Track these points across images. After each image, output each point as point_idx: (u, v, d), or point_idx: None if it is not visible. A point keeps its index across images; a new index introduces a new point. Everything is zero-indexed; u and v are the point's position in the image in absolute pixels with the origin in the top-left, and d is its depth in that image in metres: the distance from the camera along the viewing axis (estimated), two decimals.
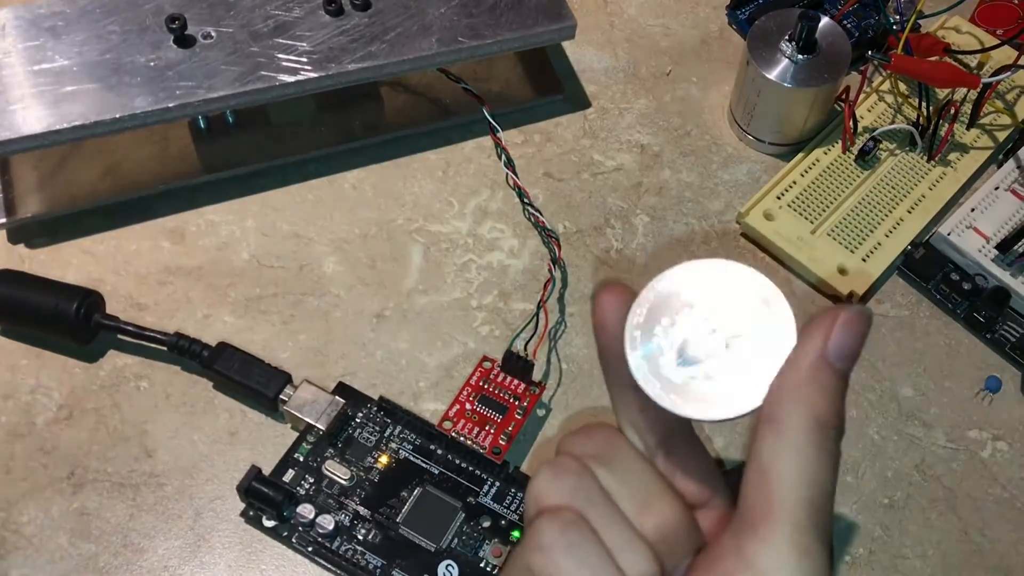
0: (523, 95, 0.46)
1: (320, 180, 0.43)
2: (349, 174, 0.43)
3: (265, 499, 0.33)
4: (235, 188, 0.42)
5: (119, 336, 0.38)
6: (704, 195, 0.44)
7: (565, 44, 0.47)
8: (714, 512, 0.23)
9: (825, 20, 0.42)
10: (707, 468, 0.23)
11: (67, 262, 0.40)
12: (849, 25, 0.47)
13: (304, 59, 0.40)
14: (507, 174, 0.43)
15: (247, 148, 0.43)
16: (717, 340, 0.21)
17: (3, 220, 0.40)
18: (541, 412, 0.38)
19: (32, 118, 0.37)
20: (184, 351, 0.37)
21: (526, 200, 0.42)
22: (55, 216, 0.41)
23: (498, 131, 0.43)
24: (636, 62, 0.48)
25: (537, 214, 0.41)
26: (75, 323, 0.36)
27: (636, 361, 0.21)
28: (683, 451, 0.23)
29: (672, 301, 0.22)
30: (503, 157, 0.43)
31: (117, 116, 0.37)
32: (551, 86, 0.46)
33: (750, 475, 0.21)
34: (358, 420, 0.36)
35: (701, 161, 0.44)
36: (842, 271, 0.41)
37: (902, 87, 0.45)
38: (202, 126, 0.43)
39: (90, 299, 0.37)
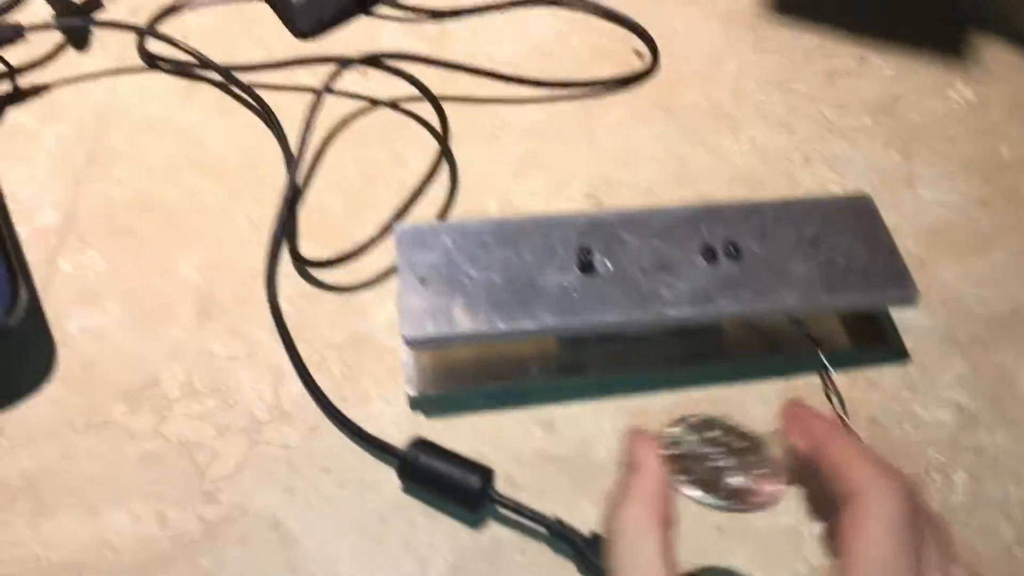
0: (848, 341, 0.51)
1: (664, 393, 0.49)
2: (693, 391, 0.49)
3: None
4: (595, 390, 0.49)
5: (500, 509, 0.44)
6: None
7: None
8: None
9: None
10: None
11: (455, 434, 0.47)
12: None
13: (683, 296, 0.46)
14: (838, 415, 0.48)
15: (605, 358, 0.50)
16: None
17: (413, 394, 0.47)
18: None
19: (468, 318, 0.45)
20: (561, 535, 0.43)
21: None
22: (449, 394, 0.48)
23: (832, 373, 0.49)
24: (952, 325, 0.52)
25: None
26: (474, 495, 0.43)
27: None
28: None
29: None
30: (835, 399, 0.48)
31: (529, 328, 0.45)
32: (875, 337, 0.51)
33: None
34: None
35: (1022, 430, 0.48)
36: None
37: None
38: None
39: (488, 475, 0.44)
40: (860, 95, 0.64)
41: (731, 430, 0.33)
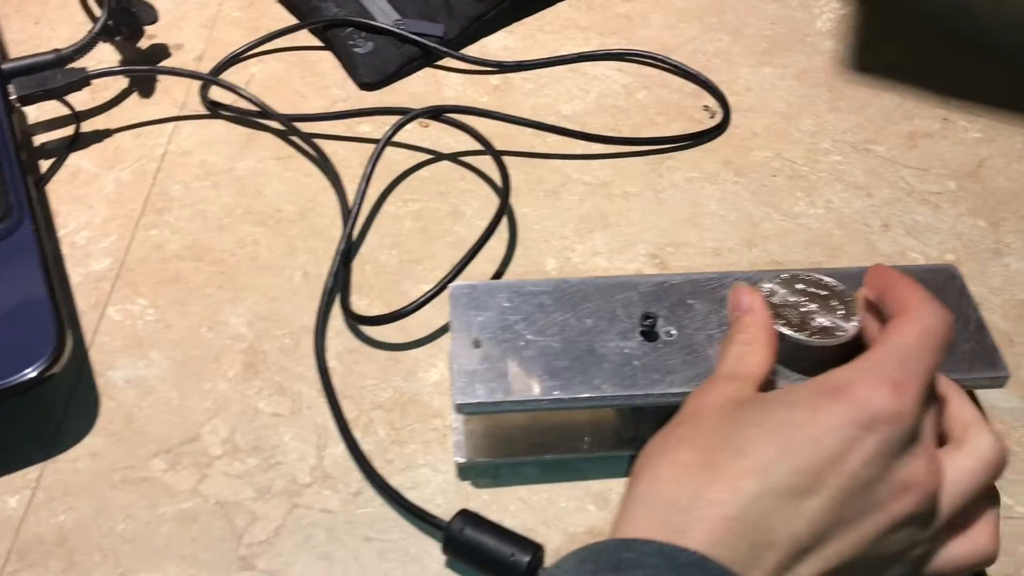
0: None
1: None
2: None
3: None
4: None
5: None
6: None
7: None
8: None
9: None
10: None
11: (504, 506, 0.45)
12: None
13: None
14: None
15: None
16: None
17: (461, 461, 0.45)
18: None
19: (523, 385, 0.42)
20: None
21: None
22: (499, 463, 0.46)
23: None
24: None
25: None
26: (522, 573, 0.40)
27: None
28: None
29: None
30: None
31: (587, 396, 0.42)
32: None
33: None
34: None
35: None
36: None
37: None
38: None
39: (538, 554, 0.41)
40: (943, 158, 0.61)
41: (813, 282, 0.41)
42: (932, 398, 0.35)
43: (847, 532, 0.32)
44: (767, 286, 0.41)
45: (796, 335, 0.40)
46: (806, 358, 0.40)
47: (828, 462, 0.32)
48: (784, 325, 0.40)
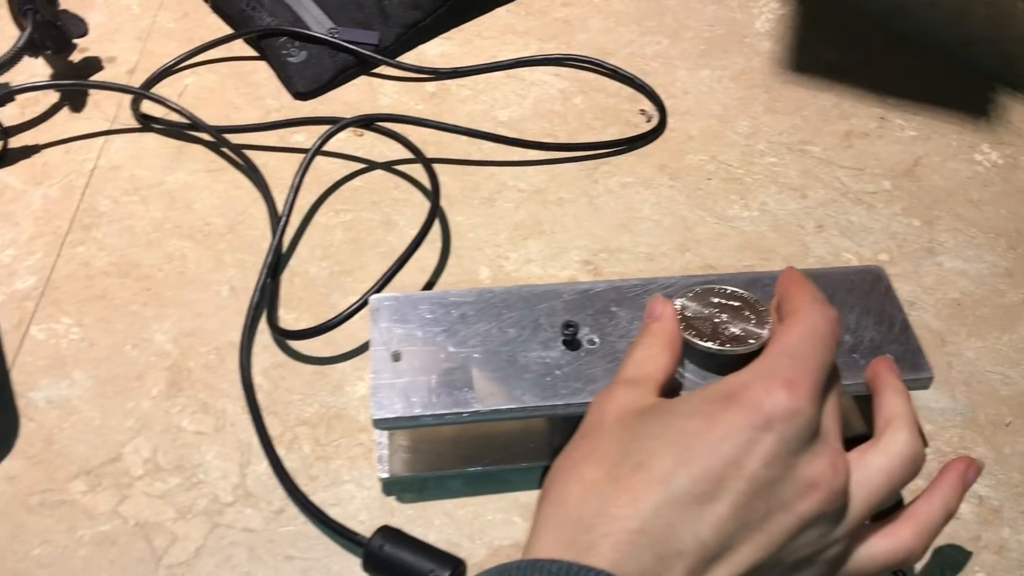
0: (862, 422, 0.48)
1: None
2: None
3: None
4: None
5: None
6: None
7: None
8: None
9: None
10: None
11: (430, 521, 0.44)
12: None
13: None
14: None
15: None
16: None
17: (385, 475, 0.45)
18: None
19: (442, 397, 0.42)
20: None
21: None
22: (425, 476, 0.45)
23: None
24: (974, 407, 0.48)
25: None
26: None
27: None
28: None
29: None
30: None
31: (509, 407, 0.42)
32: None
33: None
34: None
35: None
36: None
37: None
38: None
39: (459, 569, 0.40)
40: (879, 157, 0.61)
41: (726, 294, 0.42)
42: (831, 393, 0.35)
43: (755, 535, 0.32)
44: (679, 302, 0.41)
45: (707, 344, 0.40)
46: (724, 367, 0.40)
47: (728, 467, 0.32)
48: (696, 336, 0.40)
